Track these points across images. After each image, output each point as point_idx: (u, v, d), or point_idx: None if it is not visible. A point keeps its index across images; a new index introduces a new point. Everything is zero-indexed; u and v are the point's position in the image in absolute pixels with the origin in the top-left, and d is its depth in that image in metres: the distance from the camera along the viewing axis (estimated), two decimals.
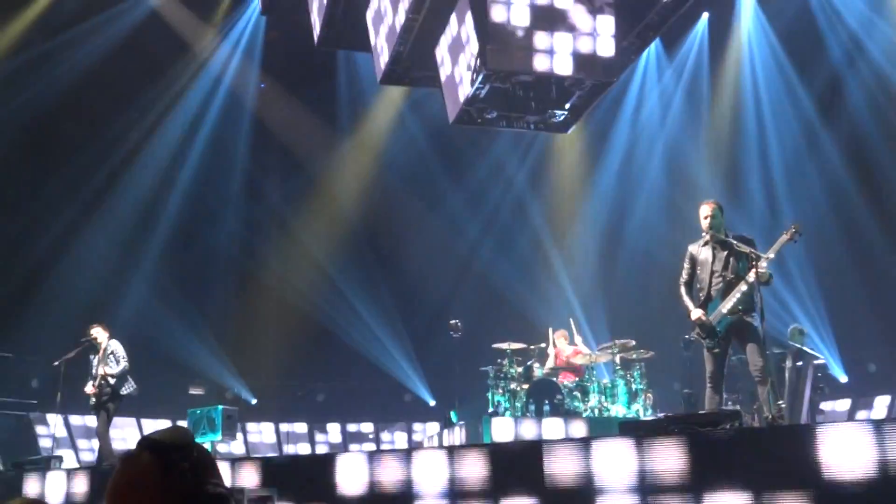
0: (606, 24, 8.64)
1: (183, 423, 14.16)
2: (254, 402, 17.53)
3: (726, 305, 7.93)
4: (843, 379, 15.21)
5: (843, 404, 15.16)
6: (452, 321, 13.26)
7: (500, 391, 12.07)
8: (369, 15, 10.38)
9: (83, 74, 15.39)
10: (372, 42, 10.44)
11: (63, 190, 15.60)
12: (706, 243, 8.19)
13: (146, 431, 14.38)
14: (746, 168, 16.47)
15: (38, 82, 15.17)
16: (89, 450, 14.84)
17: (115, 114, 15.88)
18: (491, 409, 11.98)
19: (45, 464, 10.52)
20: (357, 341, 17.66)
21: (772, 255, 7.82)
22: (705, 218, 8.14)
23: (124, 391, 11.29)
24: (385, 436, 18.17)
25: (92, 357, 11.45)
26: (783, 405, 8.28)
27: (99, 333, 11.43)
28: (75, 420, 14.94)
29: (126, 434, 15.66)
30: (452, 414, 13.47)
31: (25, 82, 15.11)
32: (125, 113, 16.05)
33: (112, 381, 11.17)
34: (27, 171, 15.42)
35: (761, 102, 16.27)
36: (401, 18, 9.29)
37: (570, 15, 8.54)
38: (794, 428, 7.75)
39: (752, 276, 7.81)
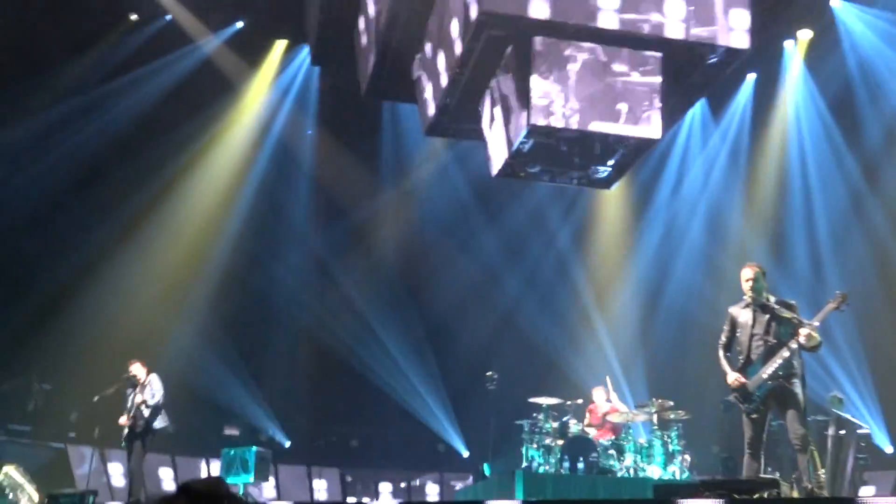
0: (653, 84, 8.68)
1: (216, 463, 14.23)
2: (287, 444, 17.52)
3: (767, 371, 7.80)
4: (889, 450, 14.79)
5: (888, 476, 14.70)
6: (489, 373, 13.22)
7: (535, 446, 11.94)
8: (416, 67, 10.56)
9: (136, 119, 15.81)
10: (418, 94, 10.60)
11: (113, 232, 15.90)
12: (747, 306, 8.09)
13: (180, 469, 14.58)
14: (791, 232, 16.27)
15: (91, 125, 15.59)
16: (124, 486, 14.92)
17: (165, 160, 16.22)
18: (525, 464, 11.85)
19: (80, 498, 10.61)
20: (393, 389, 17.63)
21: (817, 323, 7.71)
22: (747, 281, 8.06)
23: (157, 425, 11.38)
24: (417, 486, 18.01)
25: (129, 393, 11.59)
26: (824, 475, 8.09)
27: (137, 370, 11.61)
28: (111, 455, 15.03)
29: (161, 471, 15.74)
30: (486, 467, 13.34)
31: (79, 125, 15.53)
32: (175, 159, 16.38)
33: (146, 411, 11.27)
34: (79, 214, 15.76)
35: (807, 165, 16.11)
36: (448, 71, 9.43)
37: (616, 74, 8.60)
38: (834, 500, 7.55)
39: (794, 343, 7.69)
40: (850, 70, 15.11)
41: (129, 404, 11.49)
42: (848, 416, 11.59)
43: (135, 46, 15.72)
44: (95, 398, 11.71)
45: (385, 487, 17.82)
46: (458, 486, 17.10)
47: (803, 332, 7.64)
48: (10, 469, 12.21)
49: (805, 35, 15.58)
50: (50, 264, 15.38)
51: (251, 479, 13.04)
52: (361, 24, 11.61)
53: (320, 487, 17.39)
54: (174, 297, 16.55)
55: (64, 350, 14.81)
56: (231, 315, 17.24)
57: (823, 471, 8.63)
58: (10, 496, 11.92)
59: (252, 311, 17.67)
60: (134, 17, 15.75)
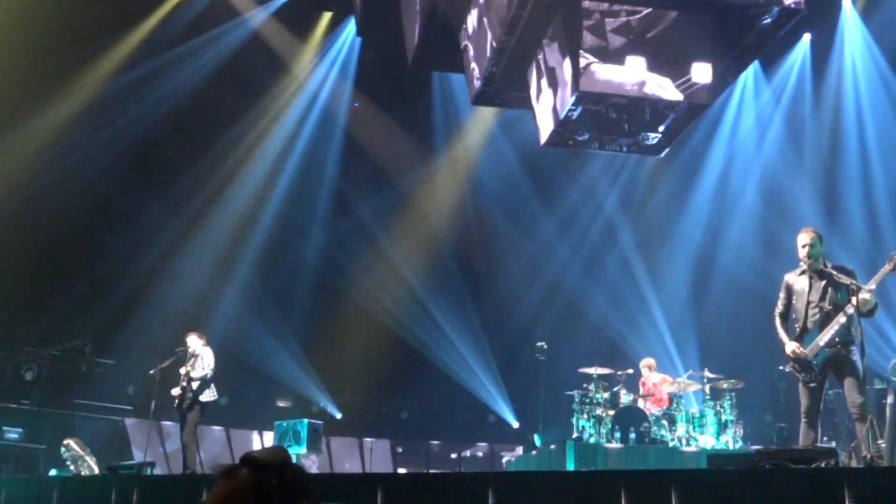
0: (705, 47, 8.48)
1: (269, 434, 14.44)
2: (339, 416, 17.71)
3: (824, 338, 7.63)
4: None
5: None
6: (538, 343, 13.19)
7: (586, 416, 11.91)
8: (463, 36, 10.45)
9: (185, 95, 15.97)
10: (465, 63, 10.50)
11: (167, 207, 16.15)
12: (803, 272, 7.91)
13: (234, 441, 14.77)
14: (848, 195, 15.87)
15: (141, 102, 15.76)
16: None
17: (214, 133, 16.37)
18: (575, 435, 11.83)
19: (138, 469, 10.83)
20: (442, 360, 17.70)
21: (873, 286, 7.51)
22: (803, 247, 7.87)
23: (204, 398, 11.42)
24: (468, 456, 18.12)
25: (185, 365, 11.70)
26: (883, 445, 7.91)
27: (193, 342, 11.68)
28: (168, 428, 15.34)
29: (216, 444, 16.03)
30: (536, 437, 13.35)
31: (130, 102, 15.70)
32: (225, 132, 16.54)
33: (194, 384, 11.36)
34: (132, 189, 15.98)
35: (865, 127, 15.66)
36: (494, 40, 9.31)
37: (666, 38, 8.41)
38: (894, 469, 7.39)
39: (851, 308, 7.51)
40: None
41: (182, 377, 11.63)
42: None
43: (185, 21, 15.84)
44: (152, 371, 11.90)
45: (436, 458, 17.92)
46: (508, 456, 17.16)
47: (860, 296, 7.45)
48: (70, 441, 12.52)
49: None
50: (106, 239, 15.66)
51: (304, 450, 13.22)
52: None
53: (372, 459, 17.57)
54: (228, 272, 16.78)
55: (122, 325, 15.11)
56: (282, 288, 17.45)
57: (882, 440, 8.43)
58: (72, 468, 12.24)
59: (302, 284, 17.82)
60: None
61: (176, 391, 11.46)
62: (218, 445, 16.07)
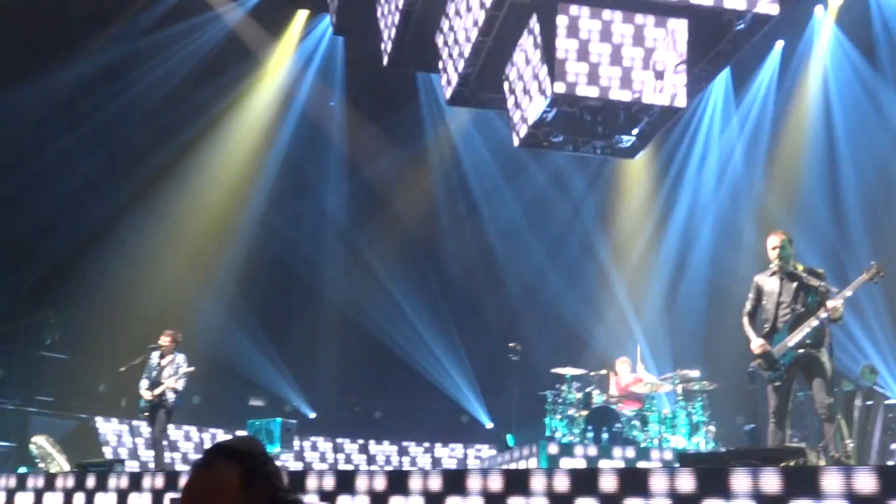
0: (679, 52, 8.56)
1: (242, 434, 14.35)
2: (312, 416, 17.66)
3: (794, 339, 7.71)
4: None
5: None
6: (512, 344, 13.22)
7: (558, 417, 11.96)
8: (439, 37, 10.47)
9: (160, 90, 15.86)
10: (441, 63, 10.53)
11: (141, 206, 16.00)
12: (773, 274, 7.99)
13: (206, 440, 14.57)
14: (818, 199, 16.05)
15: (117, 97, 15.61)
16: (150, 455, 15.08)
17: (191, 131, 16.25)
18: (548, 435, 11.87)
19: (108, 466, 10.71)
20: (416, 360, 17.68)
21: (849, 293, 7.58)
22: (773, 249, 7.94)
23: (176, 404, 11.38)
24: (439, 455, 18.10)
25: (155, 362, 11.49)
26: (851, 445, 8.01)
27: (165, 341, 11.52)
28: (138, 425, 15.19)
29: (189, 443, 15.92)
30: (509, 437, 13.39)
31: (104, 97, 15.54)
32: (202, 130, 16.42)
33: (171, 396, 11.24)
34: (107, 188, 15.81)
35: (836, 132, 15.84)
36: (470, 41, 9.34)
37: (641, 42, 8.49)
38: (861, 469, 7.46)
39: (823, 313, 7.58)
40: (884, 35, 14.80)
41: (152, 374, 11.36)
42: (877, 387, 11.49)
43: (158, 15, 15.72)
44: (122, 368, 11.76)
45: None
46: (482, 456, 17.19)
47: (830, 303, 7.52)
48: (40, 439, 12.39)
49: (835, 1, 15.30)
50: (81, 239, 15.46)
51: (277, 449, 13.16)
52: None
53: (344, 458, 17.51)
54: (201, 270, 16.67)
55: (93, 322, 14.94)
56: (256, 287, 17.35)
57: (851, 440, 8.53)
58: (41, 465, 12.11)
59: (276, 283, 17.74)
60: None
61: (147, 394, 11.25)
62: (190, 444, 15.94)
